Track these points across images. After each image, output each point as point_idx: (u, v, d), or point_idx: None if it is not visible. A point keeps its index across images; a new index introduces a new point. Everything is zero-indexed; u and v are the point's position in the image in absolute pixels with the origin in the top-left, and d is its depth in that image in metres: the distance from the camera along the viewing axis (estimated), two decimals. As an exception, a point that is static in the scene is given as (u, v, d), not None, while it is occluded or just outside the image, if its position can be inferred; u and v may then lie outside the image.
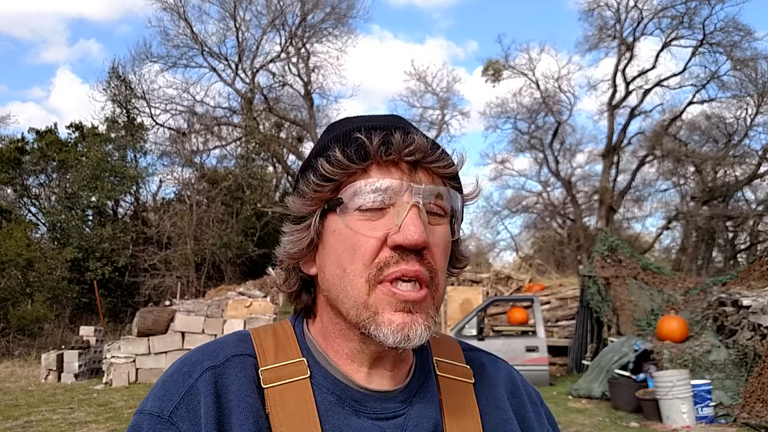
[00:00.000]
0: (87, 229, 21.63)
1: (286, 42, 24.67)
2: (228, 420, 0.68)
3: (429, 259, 0.70)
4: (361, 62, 38.97)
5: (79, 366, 11.29)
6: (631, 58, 24.30)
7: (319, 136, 0.80)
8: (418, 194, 0.68)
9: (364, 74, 41.50)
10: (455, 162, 0.73)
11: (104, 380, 10.69)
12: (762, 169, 23.41)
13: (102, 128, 22.99)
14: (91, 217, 22.67)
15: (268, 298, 12.77)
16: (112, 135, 22.73)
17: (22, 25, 38.60)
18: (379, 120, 0.73)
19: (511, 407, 0.81)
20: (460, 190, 0.75)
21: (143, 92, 23.37)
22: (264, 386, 0.71)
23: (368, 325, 0.69)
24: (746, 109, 23.51)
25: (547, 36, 58.12)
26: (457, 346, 0.86)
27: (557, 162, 26.68)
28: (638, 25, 23.93)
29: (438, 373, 0.79)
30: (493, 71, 26.53)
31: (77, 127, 23.43)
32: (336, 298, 0.71)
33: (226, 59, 24.45)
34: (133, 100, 23.18)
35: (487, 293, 14.13)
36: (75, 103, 42.39)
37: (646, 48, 55.31)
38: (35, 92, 41.78)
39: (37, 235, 21.70)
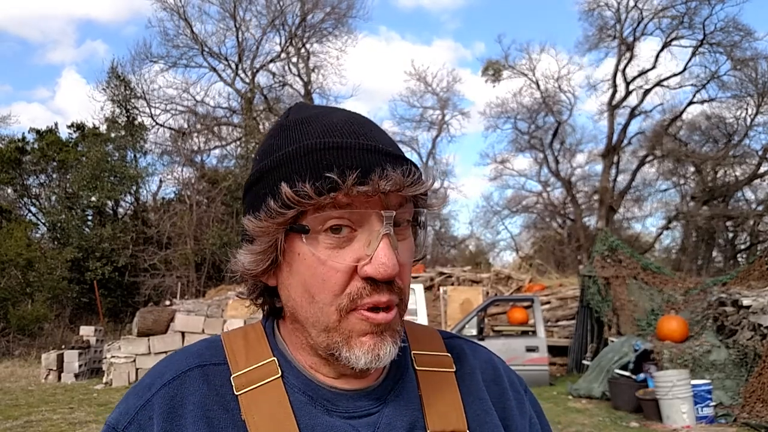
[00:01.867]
0: (87, 229, 21.63)
1: (286, 42, 24.69)
2: None
3: (398, 282, 0.68)
4: (368, 63, 39.07)
5: (79, 366, 11.29)
6: (631, 58, 24.34)
7: (270, 132, 0.73)
8: (389, 223, 0.65)
9: (369, 75, 41.62)
10: (425, 181, 0.68)
11: (104, 380, 10.70)
12: (762, 169, 23.42)
13: (102, 128, 23.01)
14: (91, 217, 22.67)
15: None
16: (112, 135, 22.73)
17: (32, 27, 38.86)
18: (344, 138, 0.66)
19: (492, 395, 0.80)
20: (424, 194, 0.71)
21: (143, 92, 23.40)
22: (237, 393, 0.70)
23: (339, 348, 0.68)
24: (746, 109, 23.54)
25: (547, 36, 58.22)
26: (438, 335, 0.84)
27: (557, 162, 26.70)
28: (638, 25, 23.96)
29: (417, 367, 0.78)
30: (493, 71, 26.55)
31: (77, 127, 23.44)
32: (303, 320, 0.70)
33: (226, 59, 24.49)
34: (132, 100, 23.19)
35: (487, 293, 14.13)
36: (79, 104, 42.53)
37: (647, 48, 55.33)
38: (40, 92, 41.94)
39: (37, 235, 21.72)
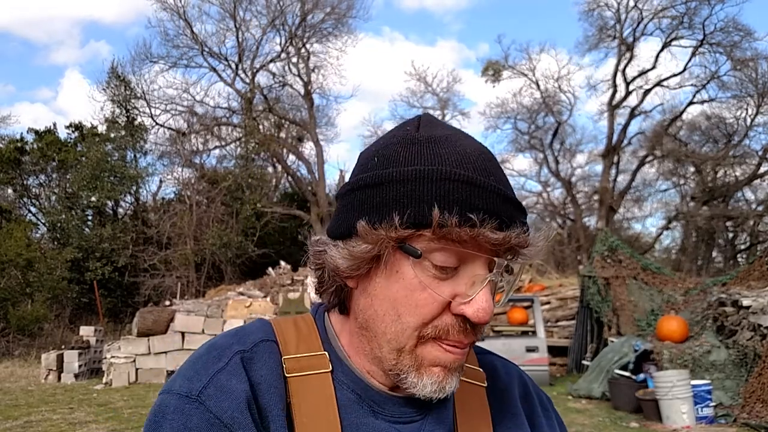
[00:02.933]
0: (87, 229, 21.63)
1: (286, 42, 24.68)
2: (258, 403, 0.67)
3: (481, 327, 0.69)
4: (371, 63, 39.12)
5: (79, 366, 11.29)
6: (631, 59, 24.32)
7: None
8: (498, 270, 0.66)
9: (372, 75, 41.68)
10: (538, 240, 0.69)
11: (104, 380, 10.69)
12: (762, 170, 23.41)
13: (102, 128, 23.03)
14: (91, 217, 22.67)
15: (268, 298, 12.77)
16: (112, 135, 22.73)
17: (37, 28, 39.11)
18: (482, 177, 0.66)
19: (524, 412, 0.81)
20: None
21: (143, 92, 23.40)
22: (287, 375, 0.70)
23: (407, 372, 0.68)
24: (746, 110, 23.52)
25: (547, 36, 58.21)
26: (471, 350, 0.85)
27: (557, 162, 26.70)
28: (638, 25, 23.95)
29: None
30: (493, 71, 26.54)
31: (77, 127, 23.44)
32: (378, 333, 0.69)
33: (226, 59, 24.48)
34: (132, 101, 23.19)
35: (487, 293, 14.11)
36: (82, 105, 42.59)
37: (647, 48, 55.34)
38: (43, 93, 42.08)
39: (37, 235, 21.72)
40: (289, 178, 25.77)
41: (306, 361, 0.72)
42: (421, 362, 0.68)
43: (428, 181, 0.65)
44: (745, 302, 8.05)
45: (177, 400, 0.66)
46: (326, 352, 0.73)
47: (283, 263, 15.97)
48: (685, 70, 23.96)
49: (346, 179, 0.75)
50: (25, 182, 22.45)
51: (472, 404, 0.77)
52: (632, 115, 24.80)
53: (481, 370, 0.82)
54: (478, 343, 0.90)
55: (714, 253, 25.93)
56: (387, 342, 0.69)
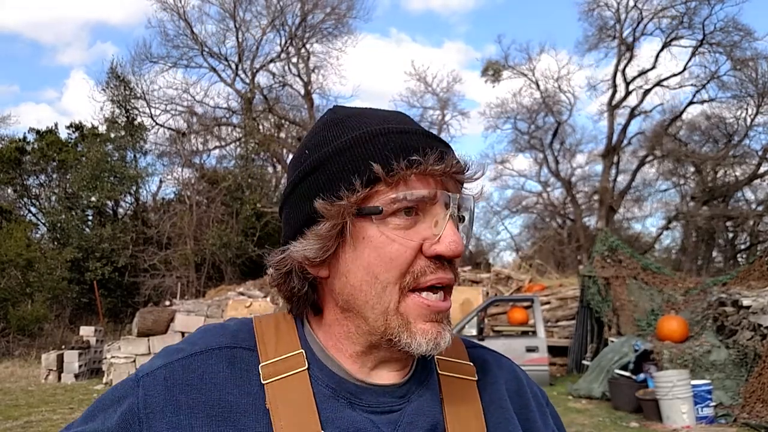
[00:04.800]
0: (87, 229, 21.63)
1: (286, 42, 24.69)
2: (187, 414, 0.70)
3: (455, 265, 0.72)
4: (377, 64, 39.19)
5: (79, 366, 11.29)
6: (631, 59, 24.33)
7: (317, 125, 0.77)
8: (454, 204, 0.70)
9: (379, 76, 41.69)
10: (478, 169, 0.73)
11: (104, 380, 10.70)
12: (762, 169, 23.42)
13: (102, 128, 23.02)
14: (91, 217, 22.68)
15: (268, 298, 12.77)
16: (112, 135, 22.73)
17: (46, 30, 39.32)
18: (410, 125, 0.73)
19: (515, 406, 0.81)
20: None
21: (143, 92, 23.40)
22: (264, 382, 0.71)
23: (399, 333, 0.69)
24: (746, 110, 23.53)
25: (547, 36, 58.23)
26: (461, 343, 0.85)
27: (557, 162, 26.71)
28: (638, 25, 23.96)
29: (440, 371, 0.79)
30: (493, 71, 26.54)
31: (77, 127, 23.44)
32: (360, 304, 0.71)
33: (226, 59, 24.48)
34: (132, 101, 23.19)
35: (487, 293, 14.12)
36: (86, 105, 42.68)
37: (647, 48, 55.32)
38: (48, 93, 42.24)
39: (37, 235, 21.73)
40: (290, 178, 25.73)
41: (283, 363, 0.73)
42: (407, 319, 0.69)
43: (364, 143, 0.69)
44: (745, 302, 8.05)
45: (128, 380, 0.73)
46: (303, 350, 0.74)
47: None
48: (685, 70, 23.99)
49: None
50: (25, 182, 22.45)
51: (462, 398, 0.77)
52: (632, 115, 24.81)
53: (471, 364, 0.82)
54: (499, 352, 0.90)
55: (714, 253, 25.94)
56: (371, 309, 0.70)
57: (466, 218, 0.74)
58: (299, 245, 0.71)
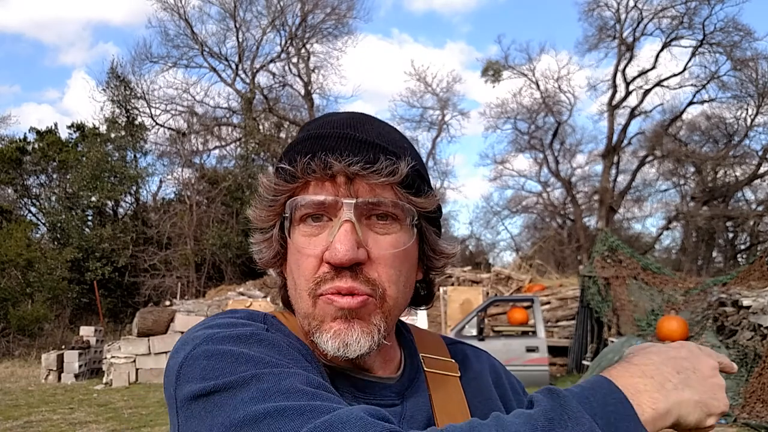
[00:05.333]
0: (87, 230, 21.62)
1: (286, 42, 24.69)
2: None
3: (368, 273, 0.68)
4: (379, 65, 39.23)
5: (80, 366, 11.29)
6: (631, 59, 24.34)
7: None
8: (350, 210, 0.67)
9: (380, 76, 41.77)
10: (399, 169, 0.68)
11: (104, 380, 10.70)
12: (762, 170, 23.42)
13: (102, 128, 23.02)
14: (91, 217, 22.67)
15: (268, 299, 12.77)
16: (112, 135, 22.73)
17: (49, 30, 39.37)
18: (330, 128, 0.71)
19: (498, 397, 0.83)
20: (420, 190, 0.72)
21: (143, 92, 23.41)
22: None
23: (314, 334, 0.70)
24: (746, 110, 23.53)
25: (547, 36, 58.26)
26: (441, 341, 0.87)
27: (557, 162, 26.71)
28: (638, 25, 23.96)
29: (425, 369, 0.80)
30: (493, 72, 26.55)
31: (77, 127, 23.44)
32: (295, 307, 0.73)
33: (226, 59, 24.49)
34: (132, 101, 23.19)
35: (487, 293, 14.13)
36: (87, 105, 42.74)
37: (647, 48, 55.31)
38: (50, 94, 42.29)
39: (37, 235, 21.71)
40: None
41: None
42: (321, 320, 0.69)
43: (289, 149, 0.72)
44: (745, 302, 8.05)
45: (252, 329, 0.68)
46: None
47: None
48: (685, 70, 23.99)
49: None
50: (25, 182, 22.45)
51: (448, 394, 0.78)
52: (632, 115, 24.81)
53: (453, 360, 0.83)
54: (476, 344, 0.92)
55: (714, 253, 25.93)
56: (298, 312, 0.72)
57: (405, 220, 0.71)
58: (253, 249, 0.78)
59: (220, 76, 24.41)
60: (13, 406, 8.54)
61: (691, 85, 24.12)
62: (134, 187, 22.80)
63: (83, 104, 39.78)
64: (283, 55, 24.94)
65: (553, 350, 11.42)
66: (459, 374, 0.82)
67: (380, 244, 0.69)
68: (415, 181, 0.71)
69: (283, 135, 25.77)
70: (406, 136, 0.78)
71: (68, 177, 21.70)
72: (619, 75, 24.48)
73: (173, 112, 24.15)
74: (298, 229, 0.70)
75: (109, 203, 22.64)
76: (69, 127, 23.53)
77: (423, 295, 0.82)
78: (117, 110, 23.06)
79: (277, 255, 0.75)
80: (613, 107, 24.66)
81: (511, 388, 0.86)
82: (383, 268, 0.69)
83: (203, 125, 24.03)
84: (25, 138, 22.25)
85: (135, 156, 23.19)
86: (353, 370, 0.74)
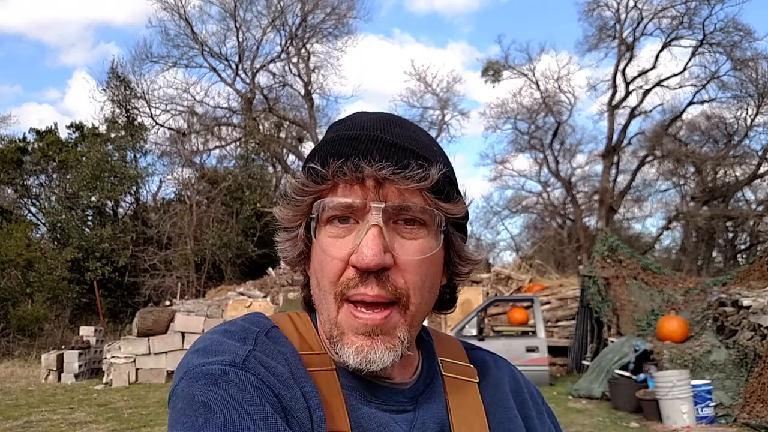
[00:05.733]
0: (87, 230, 21.62)
1: (286, 42, 24.69)
2: (296, 382, 0.67)
3: (394, 280, 0.68)
4: (380, 65, 39.26)
5: (79, 366, 11.29)
6: (631, 59, 24.32)
7: (320, 136, 0.80)
8: (378, 214, 0.67)
9: (381, 77, 41.77)
10: (430, 175, 0.68)
11: (104, 380, 10.69)
12: (762, 170, 23.40)
13: (102, 128, 23.02)
14: (91, 217, 22.67)
15: (268, 299, 12.78)
16: (112, 135, 22.74)
17: (51, 30, 39.42)
18: (360, 129, 0.70)
19: (515, 405, 0.82)
20: (450, 196, 0.71)
21: (143, 92, 23.41)
22: (308, 369, 0.71)
23: (337, 343, 0.70)
24: (746, 110, 23.52)
25: (547, 36, 58.27)
26: (460, 346, 0.86)
27: (557, 162, 26.70)
28: (638, 25, 23.95)
29: (443, 373, 0.79)
30: (493, 72, 26.54)
31: (77, 127, 23.45)
32: (318, 308, 0.73)
33: (227, 59, 24.49)
34: (132, 101, 23.19)
35: (487, 293, 14.12)
36: (88, 105, 42.77)
37: (647, 48, 55.31)
38: (51, 94, 42.37)
39: (37, 235, 21.71)
40: (290, 178, 25.75)
41: (313, 358, 0.72)
42: (343, 330, 0.69)
43: (317, 149, 0.72)
44: (745, 302, 8.05)
45: (223, 367, 0.63)
46: (327, 352, 0.74)
47: (283, 263, 15.95)
48: (685, 70, 23.98)
49: None
50: (25, 182, 22.45)
51: (465, 400, 0.78)
52: (632, 115, 24.80)
53: (471, 366, 0.83)
54: (476, 344, 0.91)
55: (714, 253, 25.93)
56: (322, 313, 0.72)
57: (433, 225, 0.70)
58: (278, 247, 0.77)
59: (220, 76, 24.44)
60: (13, 406, 8.54)
61: (691, 85, 24.13)
62: (134, 187, 22.81)
63: (84, 104, 39.97)
64: (283, 55, 24.96)
65: (553, 350, 11.42)
66: (477, 380, 0.81)
67: (407, 249, 0.69)
68: (445, 187, 0.70)
69: (283, 135, 25.78)
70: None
71: (68, 177, 21.70)
72: (619, 75, 24.48)
73: (173, 112, 24.18)
74: (325, 230, 0.70)
75: (109, 203, 22.64)
76: (69, 127, 23.56)
77: (446, 300, 0.82)
78: (117, 110, 23.09)
79: (302, 254, 0.75)
80: (613, 107, 24.66)
81: (530, 397, 0.85)
82: (409, 275, 0.69)
83: (203, 125, 24.03)
84: (25, 138, 22.26)
85: (135, 156, 23.20)
86: (368, 374, 0.73)
